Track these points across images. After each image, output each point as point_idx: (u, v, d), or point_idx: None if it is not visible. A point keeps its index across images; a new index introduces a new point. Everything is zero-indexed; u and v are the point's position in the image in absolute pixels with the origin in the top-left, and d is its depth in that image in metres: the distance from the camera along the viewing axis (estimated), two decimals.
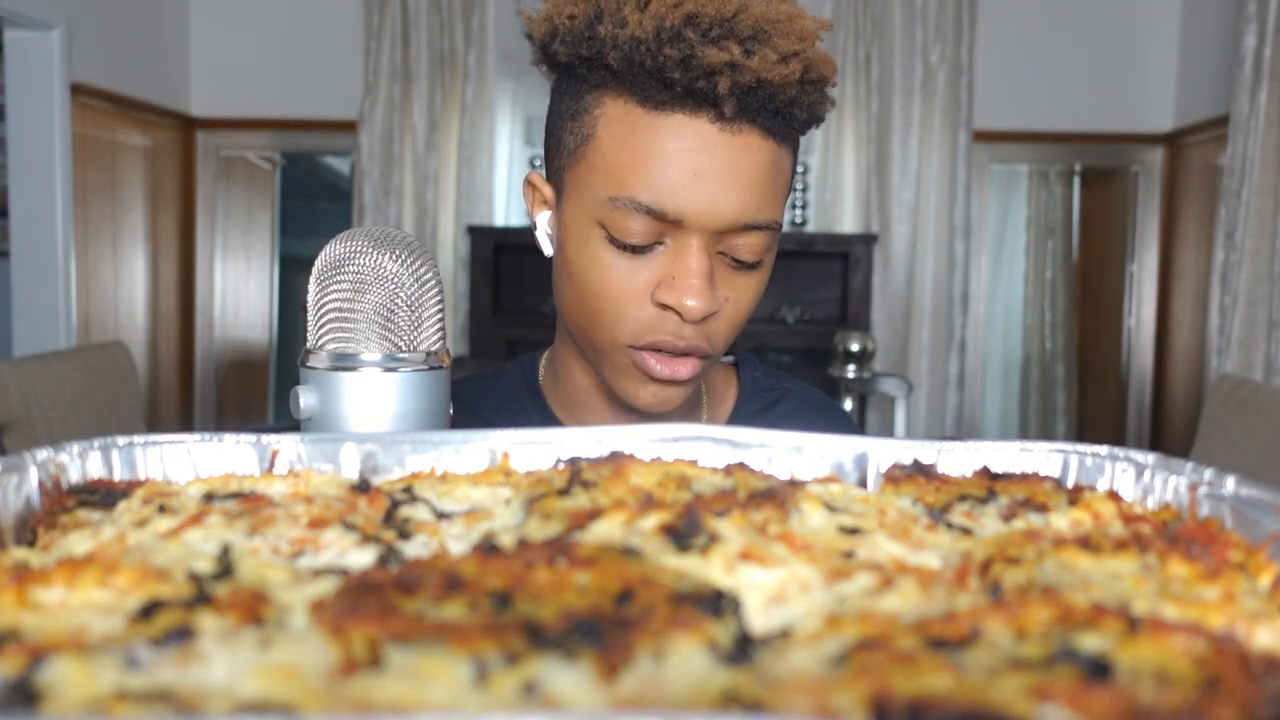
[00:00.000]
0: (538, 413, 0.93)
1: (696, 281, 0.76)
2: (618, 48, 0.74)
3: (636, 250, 0.77)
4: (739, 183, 0.75)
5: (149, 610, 0.33)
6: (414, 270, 0.65)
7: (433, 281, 0.66)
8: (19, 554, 0.41)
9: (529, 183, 0.87)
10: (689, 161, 0.75)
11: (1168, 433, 3.87)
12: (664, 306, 0.78)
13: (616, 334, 0.80)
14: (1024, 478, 0.53)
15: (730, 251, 0.78)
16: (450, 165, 3.96)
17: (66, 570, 0.36)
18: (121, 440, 0.53)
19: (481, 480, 0.52)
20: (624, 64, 0.74)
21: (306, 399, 0.63)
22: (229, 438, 0.54)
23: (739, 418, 0.95)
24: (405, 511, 0.47)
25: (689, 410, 0.91)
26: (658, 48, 0.72)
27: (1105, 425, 4.29)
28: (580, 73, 0.79)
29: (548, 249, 0.86)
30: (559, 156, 0.82)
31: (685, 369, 0.80)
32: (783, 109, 0.75)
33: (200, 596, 0.35)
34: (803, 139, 0.84)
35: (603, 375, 0.85)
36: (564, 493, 0.48)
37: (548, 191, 0.85)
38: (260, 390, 4.50)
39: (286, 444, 0.54)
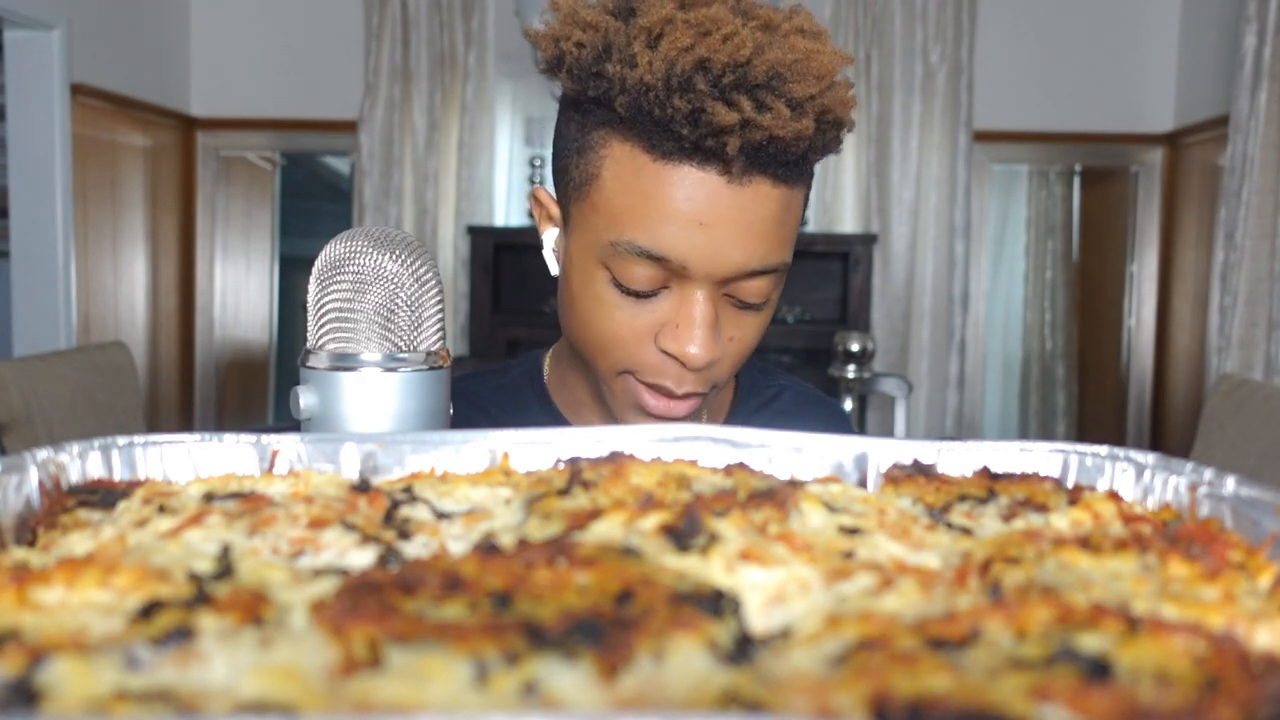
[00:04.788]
0: (544, 412, 0.93)
1: (700, 331, 0.75)
2: (626, 92, 0.71)
3: (640, 295, 0.76)
4: (746, 233, 0.74)
5: (149, 610, 0.33)
6: (414, 270, 0.65)
7: (433, 281, 0.66)
8: (19, 554, 0.41)
9: (536, 200, 0.86)
10: (695, 212, 0.73)
11: (1168, 433, 3.87)
12: (667, 353, 0.77)
13: (618, 367, 0.80)
14: (1024, 478, 0.53)
15: (736, 293, 0.77)
16: (450, 165, 3.96)
17: (66, 570, 0.36)
18: (121, 440, 0.53)
19: (481, 480, 0.52)
20: (631, 110, 0.72)
21: (306, 399, 0.63)
22: (229, 438, 0.54)
23: (737, 415, 0.96)
24: (405, 511, 0.47)
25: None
26: (666, 97, 0.70)
27: (1105, 425, 4.29)
28: (587, 107, 0.77)
29: (554, 268, 0.85)
30: (565, 185, 0.81)
31: (682, 409, 0.80)
32: (795, 159, 0.73)
33: (200, 596, 0.35)
34: None
35: (602, 396, 0.85)
36: (564, 493, 0.48)
37: (555, 210, 0.84)
38: (260, 390, 4.50)
39: (286, 444, 0.54)
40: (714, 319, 0.76)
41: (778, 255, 0.77)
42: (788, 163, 0.73)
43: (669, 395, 0.79)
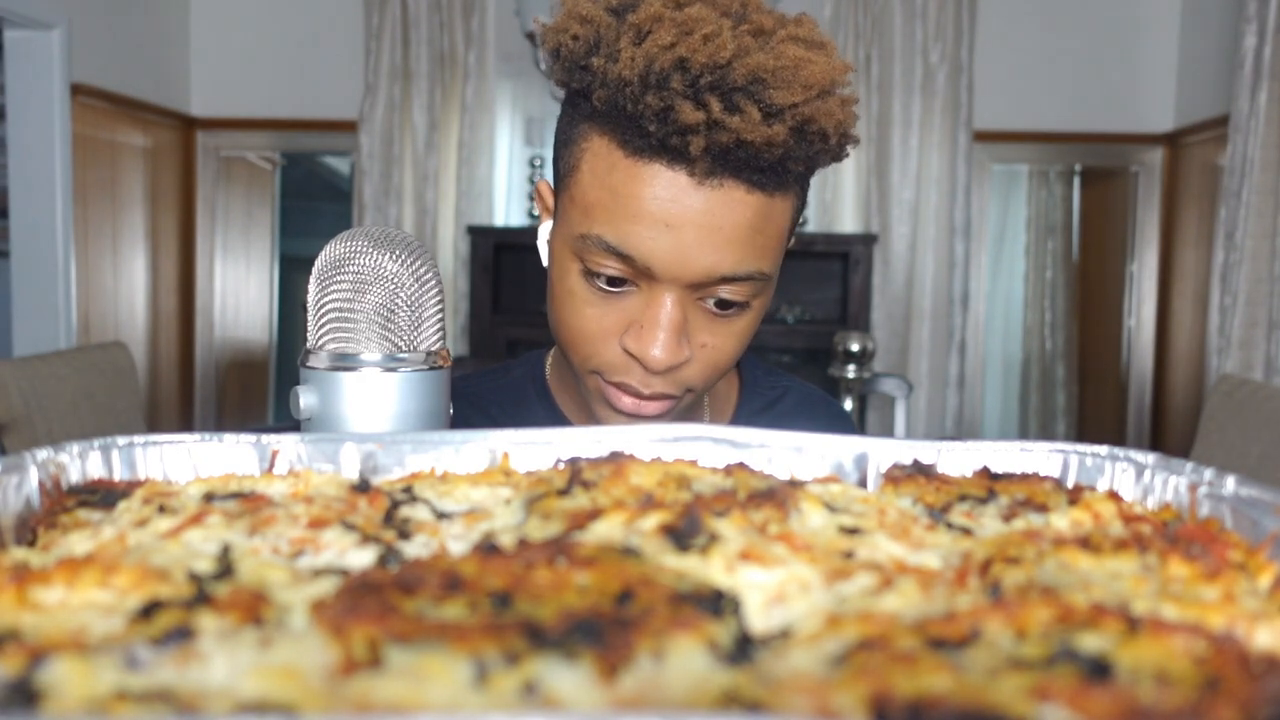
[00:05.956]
0: (546, 412, 0.93)
1: (662, 334, 0.74)
2: (605, 86, 0.71)
3: (610, 291, 0.76)
4: (715, 237, 0.72)
5: (149, 610, 0.33)
6: (414, 270, 0.65)
7: (433, 281, 0.66)
8: (19, 554, 0.41)
9: (539, 191, 0.87)
10: (661, 212, 0.72)
11: (1168, 433, 3.87)
12: (630, 353, 0.76)
13: (587, 364, 0.80)
14: (1024, 478, 0.53)
15: (710, 298, 0.76)
16: (450, 165, 3.96)
17: (66, 570, 0.36)
18: (121, 440, 0.53)
19: (481, 480, 0.52)
20: (607, 104, 0.71)
21: (306, 399, 0.63)
22: (229, 438, 0.54)
23: (741, 417, 0.96)
24: (405, 511, 0.47)
25: (690, 412, 0.91)
26: (640, 93, 0.69)
27: (1105, 425, 4.29)
28: (574, 100, 0.77)
29: (545, 259, 0.85)
30: (556, 177, 0.82)
31: (651, 409, 0.79)
32: (770, 166, 0.71)
33: (200, 596, 0.35)
34: None
35: (580, 391, 0.85)
36: (564, 493, 0.48)
37: (551, 201, 0.85)
38: (260, 390, 4.50)
39: (286, 444, 0.54)
40: (680, 323, 0.75)
41: (751, 264, 0.75)
42: (762, 169, 0.71)
43: (636, 395, 0.78)
